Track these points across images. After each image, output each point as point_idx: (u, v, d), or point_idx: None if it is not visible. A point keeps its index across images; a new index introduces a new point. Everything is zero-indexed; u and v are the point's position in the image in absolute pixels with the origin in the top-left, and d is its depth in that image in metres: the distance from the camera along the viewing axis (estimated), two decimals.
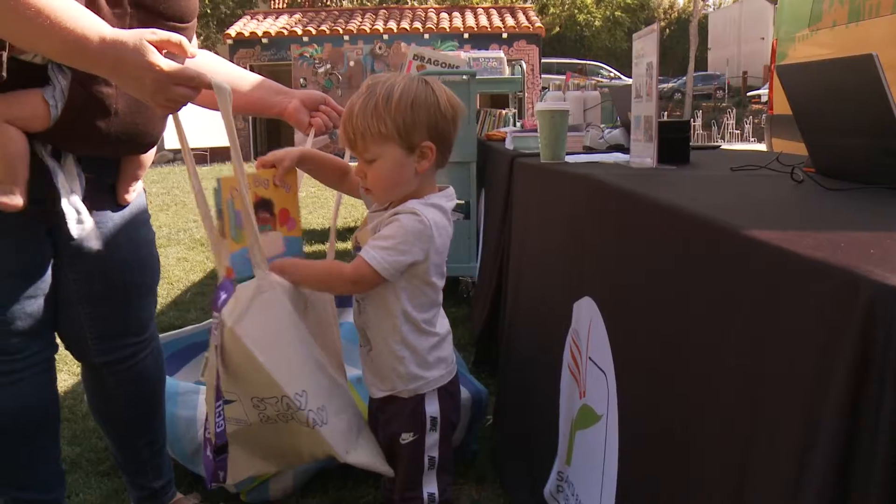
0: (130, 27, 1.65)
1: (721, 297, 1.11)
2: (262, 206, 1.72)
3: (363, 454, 1.73)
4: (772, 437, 0.92)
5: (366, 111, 1.58)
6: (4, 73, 1.64)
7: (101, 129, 1.76)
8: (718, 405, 1.10)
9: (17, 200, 1.74)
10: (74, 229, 1.80)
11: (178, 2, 1.80)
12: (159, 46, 1.50)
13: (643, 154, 2.23)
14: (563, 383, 2.07)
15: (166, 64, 1.48)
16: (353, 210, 8.94)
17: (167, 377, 2.37)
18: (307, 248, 6.39)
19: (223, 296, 1.57)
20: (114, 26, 1.60)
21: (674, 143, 2.32)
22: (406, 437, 1.73)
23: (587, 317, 1.87)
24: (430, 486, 1.75)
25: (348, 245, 6.36)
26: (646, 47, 2.24)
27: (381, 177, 1.64)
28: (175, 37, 1.53)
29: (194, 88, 1.54)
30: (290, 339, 1.64)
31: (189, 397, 2.48)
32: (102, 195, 1.96)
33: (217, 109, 1.63)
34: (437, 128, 1.62)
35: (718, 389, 1.10)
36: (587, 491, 1.81)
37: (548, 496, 2.05)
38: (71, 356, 2.11)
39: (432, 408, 1.73)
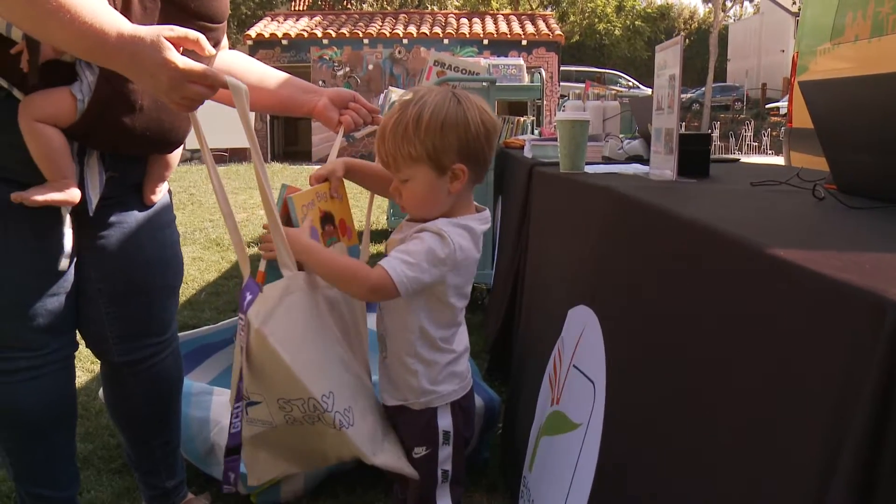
0: (157, 23, 1.67)
1: (741, 315, 1.11)
2: (327, 219, 1.74)
3: (390, 456, 1.72)
4: (790, 460, 0.91)
5: (396, 133, 1.57)
6: (37, 80, 1.66)
7: (127, 125, 1.77)
8: (731, 427, 1.09)
9: (74, 195, 1.76)
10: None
11: (209, 1, 1.81)
12: (177, 43, 1.50)
13: (663, 166, 2.23)
14: (542, 390, 2.07)
15: (182, 62, 1.48)
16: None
17: None
18: None
19: (248, 297, 1.56)
20: (141, 20, 1.62)
21: (694, 156, 2.31)
22: (419, 451, 1.72)
23: (580, 325, 1.87)
24: (444, 499, 1.74)
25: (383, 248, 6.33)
26: (668, 59, 2.23)
27: (414, 197, 1.63)
28: (192, 34, 1.53)
29: (210, 87, 1.54)
30: (317, 339, 1.63)
31: (202, 398, 2.49)
32: (127, 194, 1.97)
33: None
34: (469, 149, 1.60)
35: (732, 411, 1.10)
36: (545, 499, 1.80)
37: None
38: (83, 353, 2.12)
39: (445, 422, 1.72)
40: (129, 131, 1.78)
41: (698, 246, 1.31)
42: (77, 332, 2.02)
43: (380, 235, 7.06)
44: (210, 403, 2.47)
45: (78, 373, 3.47)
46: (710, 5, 39.74)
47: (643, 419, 1.44)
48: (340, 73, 20.11)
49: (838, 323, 0.84)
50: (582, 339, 1.83)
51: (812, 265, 0.92)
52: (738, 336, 1.11)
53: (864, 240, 1.22)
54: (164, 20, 1.70)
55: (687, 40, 44.58)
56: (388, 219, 6.91)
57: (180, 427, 2.30)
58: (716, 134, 22.87)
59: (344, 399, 1.63)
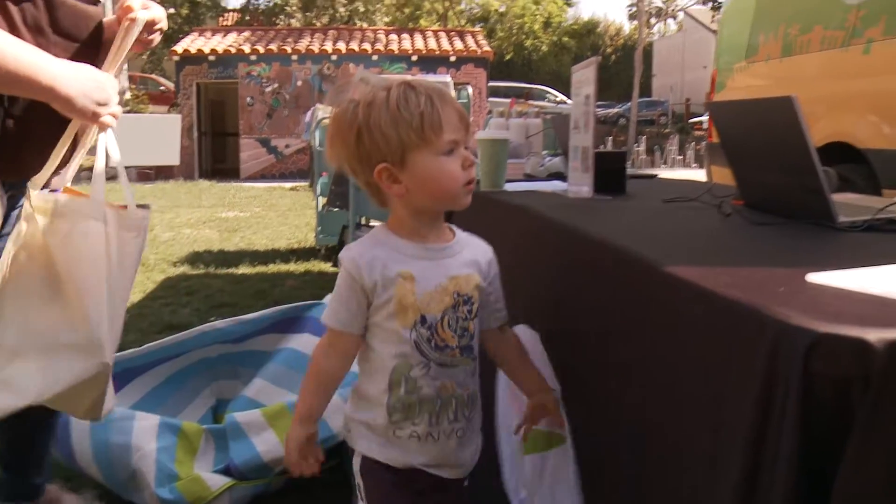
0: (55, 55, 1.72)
1: (647, 329, 1.16)
2: None
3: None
4: (684, 462, 0.96)
5: None
6: None
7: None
8: (644, 424, 1.15)
9: None
10: None
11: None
12: None
13: (580, 183, 2.28)
14: (502, 408, 2.08)
15: None
16: (296, 231, 8.90)
17: None
18: (249, 270, 6.34)
19: None
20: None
21: (610, 173, 2.37)
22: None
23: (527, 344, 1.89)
24: None
25: (291, 267, 6.22)
26: (584, 79, 2.29)
27: None
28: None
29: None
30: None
31: (123, 423, 2.45)
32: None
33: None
34: None
35: (641, 413, 1.15)
36: None
37: None
38: None
39: None
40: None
41: (608, 264, 1.36)
42: None
43: (307, 254, 7.03)
44: (132, 429, 2.43)
45: None
46: (635, 22, 40.63)
47: (590, 425, 1.46)
48: (269, 89, 19.95)
49: (725, 337, 0.89)
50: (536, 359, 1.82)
51: (704, 282, 0.97)
52: (646, 349, 1.16)
53: (760, 255, 1.28)
54: (59, 51, 1.75)
55: (613, 56, 45.56)
56: (315, 236, 6.87)
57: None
58: (642, 148, 23.34)
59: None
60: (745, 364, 0.83)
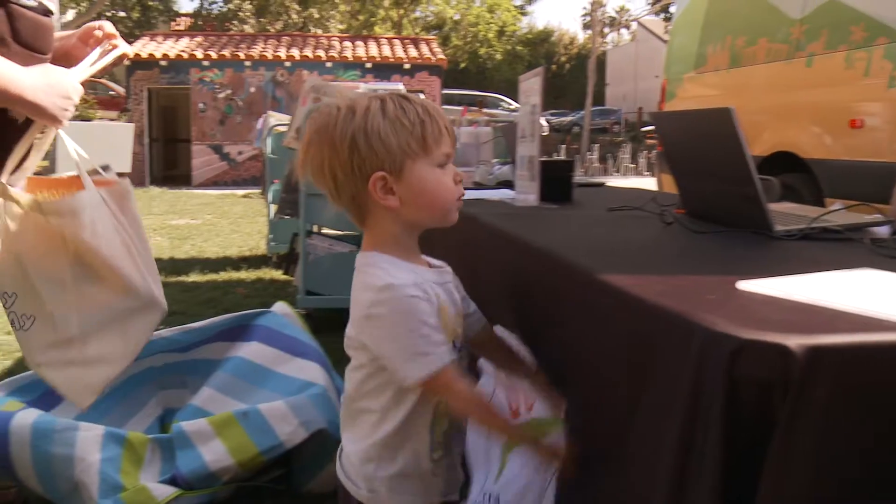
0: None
1: (584, 339, 1.18)
2: None
3: (55, 375, 1.92)
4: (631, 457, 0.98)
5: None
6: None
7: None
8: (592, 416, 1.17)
9: None
10: None
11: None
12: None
13: (527, 191, 2.30)
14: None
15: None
16: (248, 238, 8.82)
17: (43, 414, 2.32)
18: (200, 278, 6.28)
19: None
20: None
21: (556, 182, 2.40)
22: None
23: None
24: None
25: (242, 275, 6.12)
26: (531, 88, 2.32)
27: None
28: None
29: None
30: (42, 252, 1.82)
31: (66, 434, 2.40)
32: None
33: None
34: None
35: (584, 421, 1.17)
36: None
37: None
38: None
39: None
40: None
41: (549, 272, 1.38)
42: None
43: (259, 261, 6.96)
44: (75, 440, 2.39)
45: None
46: (589, 31, 41.07)
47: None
48: (221, 95, 19.77)
49: (656, 344, 0.91)
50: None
51: (635, 290, 0.99)
52: (584, 357, 1.18)
53: (695, 263, 1.31)
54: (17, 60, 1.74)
55: (567, 65, 45.98)
56: (267, 244, 6.81)
57: None
58: (595, 156, 23.57)
59: (27, 305, 1.85)
60: (673, 369, 0.85)
